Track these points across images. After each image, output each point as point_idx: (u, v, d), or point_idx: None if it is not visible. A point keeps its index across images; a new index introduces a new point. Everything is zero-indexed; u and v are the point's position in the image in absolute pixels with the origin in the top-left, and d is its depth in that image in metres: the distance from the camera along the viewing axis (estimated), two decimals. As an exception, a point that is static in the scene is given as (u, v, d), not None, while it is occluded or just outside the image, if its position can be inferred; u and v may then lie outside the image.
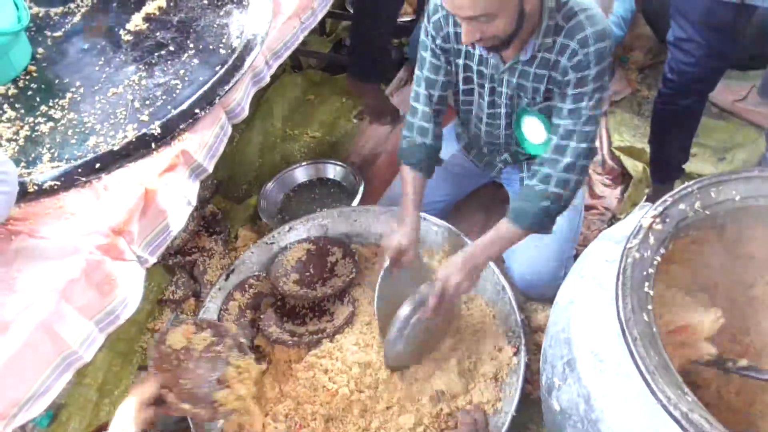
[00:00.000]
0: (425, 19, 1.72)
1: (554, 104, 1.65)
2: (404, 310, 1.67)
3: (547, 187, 1.62)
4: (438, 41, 1.71)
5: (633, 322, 1.11)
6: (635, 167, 2.46)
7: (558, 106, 1.62)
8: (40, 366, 1.15)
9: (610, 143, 2.58)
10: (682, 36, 1.91)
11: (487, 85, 1.75)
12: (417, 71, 1.80)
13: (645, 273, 1.18)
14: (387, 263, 1.79)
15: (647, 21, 2.89)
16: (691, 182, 1.27)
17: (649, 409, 1.07)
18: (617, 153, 2.51)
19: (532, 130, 1.79)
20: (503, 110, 1.80)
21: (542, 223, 1.65)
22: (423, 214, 1.91)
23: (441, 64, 1.76)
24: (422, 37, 1.75)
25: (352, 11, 3.09)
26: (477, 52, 1.70)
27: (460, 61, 1.74)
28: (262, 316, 1.93)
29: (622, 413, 1.13)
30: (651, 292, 1.16)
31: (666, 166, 2.25)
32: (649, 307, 1.14)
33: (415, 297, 1.68)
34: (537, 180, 1.64)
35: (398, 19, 2.86)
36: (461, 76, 1.78)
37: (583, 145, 1.60)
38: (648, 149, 2.46)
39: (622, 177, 2.48)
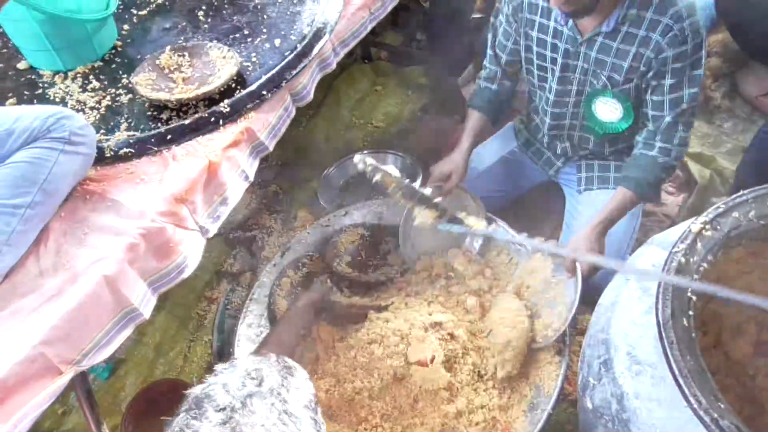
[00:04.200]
0: None
1: (648, 95, 1.67)
2: None
3: (668, 160, 1.69)
4: (512, 6, 1.78)
5: (671, 326, 1.10)
6: (702, 173, 2.39)
7: (654, 99, 1.66)
8: (104, 318, 1.24)
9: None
10: None
11: (560, 60, 1.75)
12: (490, 37, 1.91)
13: (690, 279, 1.17)
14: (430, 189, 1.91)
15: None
16: (747, 191, 1.24)
17: (681, 413, 1.07)
18: (685, 159, 2.44)
19: (605, 109, 1.79)
20: (574, 87, 1.79)
21: (657, 193, 1.77)
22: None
23: (511, 32, 1.83)
24: (498, 4, 1.86)
25: (426, 5, 3.12)
26: (551, 23, 1.71)
27: (533, 33, 1.77)
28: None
29: (654, 415, 1.13)
30: (694, 298, 1.16)
31: None
32: (691, 312, 1.14)
33: None
34: (657, 152, 1.69)
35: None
36: (534, 51, 1.80)
37: (686, 134, 1.68)
38: (718, 158, 2.40)
39: (687, 185, 2.42)
